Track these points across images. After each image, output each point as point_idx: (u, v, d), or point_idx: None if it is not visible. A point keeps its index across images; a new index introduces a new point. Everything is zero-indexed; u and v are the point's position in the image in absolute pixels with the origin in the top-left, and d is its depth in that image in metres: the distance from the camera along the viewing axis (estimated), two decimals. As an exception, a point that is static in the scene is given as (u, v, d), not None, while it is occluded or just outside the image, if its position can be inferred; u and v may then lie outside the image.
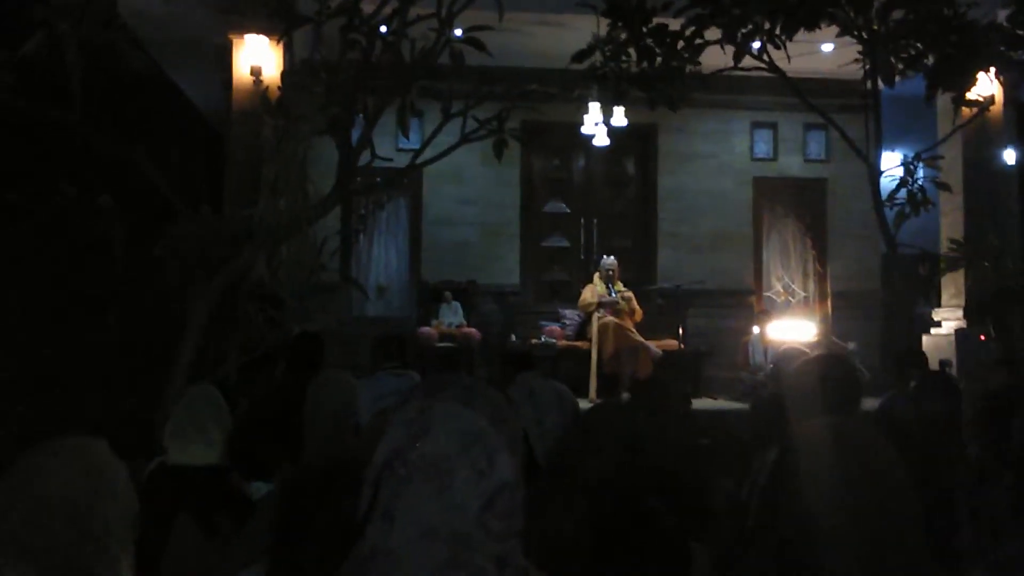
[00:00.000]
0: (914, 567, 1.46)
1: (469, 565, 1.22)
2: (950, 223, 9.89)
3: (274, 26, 8.11)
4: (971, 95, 7.63)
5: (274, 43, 8.55)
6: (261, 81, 8.48)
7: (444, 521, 1.23)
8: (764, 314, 10.22)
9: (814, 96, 8.27)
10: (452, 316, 10.05)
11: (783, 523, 1.50)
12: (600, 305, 9.60)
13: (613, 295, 9.72)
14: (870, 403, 4.94)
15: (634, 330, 9.54)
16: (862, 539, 1.43)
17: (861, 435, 1.55)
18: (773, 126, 11.57)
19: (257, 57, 8.74)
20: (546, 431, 4.95)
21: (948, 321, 9.73)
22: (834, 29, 7.33)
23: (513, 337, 10.06)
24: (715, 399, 9.49)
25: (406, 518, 1.24)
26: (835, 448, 1.52)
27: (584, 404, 6.62)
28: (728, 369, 9.95)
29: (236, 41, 8.84)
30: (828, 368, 3.02)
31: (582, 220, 11.57)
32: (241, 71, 8.79)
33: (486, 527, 1.24)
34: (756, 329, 9.90)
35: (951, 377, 4.49)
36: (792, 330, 10.16)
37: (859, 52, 7.50)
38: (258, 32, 8.72)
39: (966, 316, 9.46)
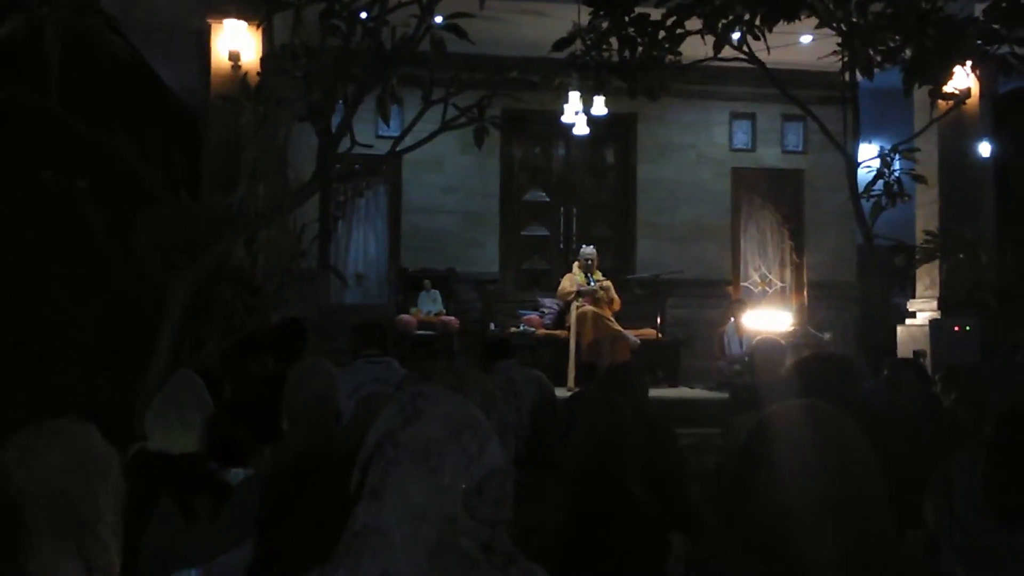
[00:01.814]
0: (882, 548, 1.49)
1: (457, 549, 1.24)
2: (926, 215, 9.97)
3: (253, 11, 8.06)
4: (948, 88, 7.69)
5: (253, 28, 8.49)
6: (240, 66, 8.43)
7: (432, 503, 1.25)
8: (739, 304, 10.29)
9: (792, 88, 8.31)
10: (431, 304, 10.05)
11: (753, 501, 1.52)
12: (579, 294, 9.62)
13: (592, 284, 9.75)
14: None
15: (612, 319, 9.57)
16: (829, 519, 1.46)
17: (828, 416, 1.57)
18: (752, 117, 11.62)
19: (236, 42, 8.68)
20: (524, 419, 4.97)
21: (923, 312, 9.82)
22: (813, 21, 7.37)
23: (492, 325, 10.07)
24: (692, 388, 9.55)
25: (395, 499, 1.25)
26: (802, 428, 1.54)
27: (562, 393, 6.66)
28: (706, 359, 10.01)
29: (214, 26, 8.78)
30: (821, 366, 3.06)
31: (562, 209, 11.60)
32: (220, 56, 8.73)
33: (474, 512, 1.26)
34: (732, 319, 9.97)
35: (921, 364, 4.55)
36: (768, 320, 10.23)
37: (838, 44, 7.54)
38: (237, 17, 8.66)
39: (941, 307, 9.56)
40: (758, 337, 5.83)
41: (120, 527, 1.74)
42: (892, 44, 7.14)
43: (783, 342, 5.05)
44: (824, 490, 1.47)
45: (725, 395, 8.47)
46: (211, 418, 3.11)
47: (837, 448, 1.53)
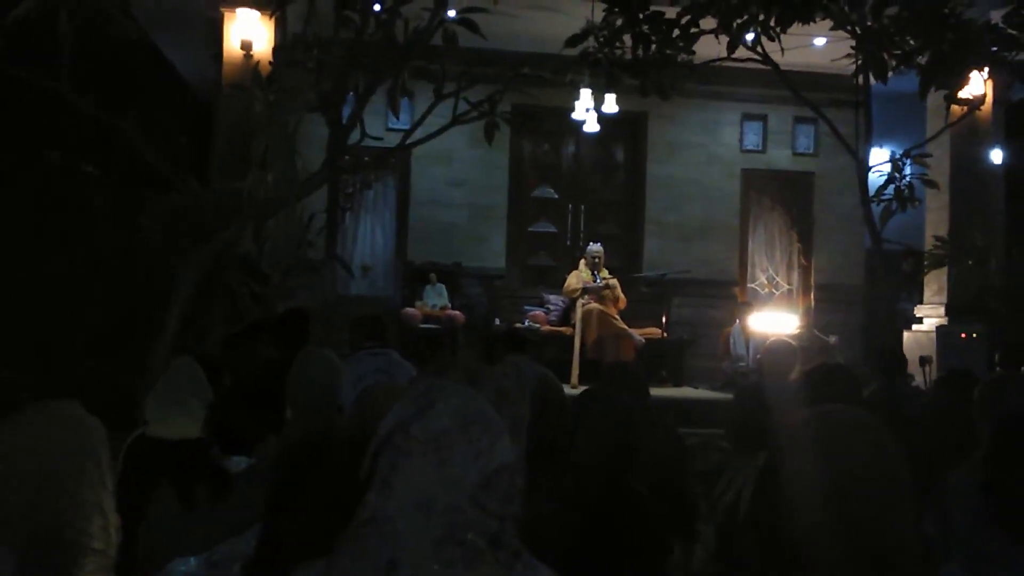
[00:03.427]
0: (908, 559, 1.47)
1: (463, 542, 1.24)
2: (935, 220, 9.94)
3: (267, 0, 8.06)
4: (963, 94, 7.65)
5: (266, 17, 8.48)
6: (252, 55, 8.43)
7: (440, 495, 1.25)
8: (746, 306, 10.26)
9: (805, 90, 8.28)
10: (436, 298, 10.03)
11: (776, 521, 1.50)
12: (585, 291, 9.60)
13: (598, 282, 9.72)
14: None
15: (618, 317, 9.55)
16: (856, 533, 1.44)
17: (854, 423, 1.54)
18: (763, 118, 11.57)
19: (248, 31, 8.67)
20: (526, 415, 4.95)
21: (930, 318, 9.79)
22: (828, 23, 7.34)
23: (497, 321, 10.05)
24: (696, 388, 9.53)
25: (403, 489, 1.26)
26: (826, 439, 1.50)
27: (566, 390, 6.63)
28: (711, 359, 9.99)
29: (227, 14, 8.76)
30: (833, 378, 3.04)
31: (570, 206, 11.57)
32: (232, 45, 8.72)
33: (481, 505, 1.26)
34: (738, 321, 9.94)
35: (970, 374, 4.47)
36: (774, 322, 10.19)
37: (852, 47, 7.52)
38: (250, 6, 8.65)
39: (948, 314, 9.52)
40: (770, 339, 5.79)
41: (113, 496, 1.74)
42: (907, 48, 7.11)
43: (795, 345, 5.01)
44: (848, 501, 1.45)
45: (729, 395, 8.46)
46: (213, 405, 3.09)
47: (862, 456, 1.50)
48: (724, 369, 9.57)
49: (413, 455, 1.27)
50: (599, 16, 7.35)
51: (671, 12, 7.16)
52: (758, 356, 7.89)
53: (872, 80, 7.47)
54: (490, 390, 1.33)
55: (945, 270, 9.57)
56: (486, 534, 1.26)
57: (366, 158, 8.07)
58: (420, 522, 1.24)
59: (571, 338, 9.29)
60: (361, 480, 1.29)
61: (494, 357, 5.10)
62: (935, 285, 9.92)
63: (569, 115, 9.28)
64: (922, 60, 7.14)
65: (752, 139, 11.64)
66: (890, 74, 7.24)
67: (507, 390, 1.36)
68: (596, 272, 9.81)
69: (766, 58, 7.54)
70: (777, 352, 4.87)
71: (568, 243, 11.47)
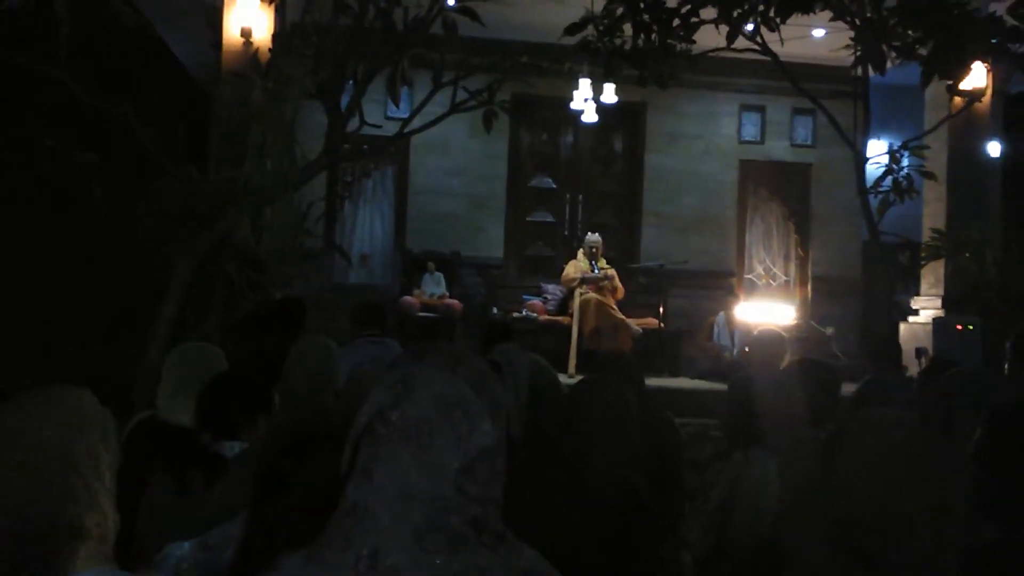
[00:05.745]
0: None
1: (446, 528, 1.24)
2: (932, 212, 9.94)
3: (266, -13, 8.04)
4: (964, 85, 7.65)
5: (265, 5, 8.46)
6: (251, 43, 8.40)
7: (422, 482, 1.25)
8: (732, 296, 10.26)
9: (804, 81, 8.27)
10: (434, 287, 10.04)
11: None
12: (582, 281, 9.62)
13: (596, 272, 9.74)
14: (846, 388, 4.98)
15: (615, 307, 9.56)
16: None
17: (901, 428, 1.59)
18: (761, 109, 11.57)
19: (248, 18, 8.63)
20: (522, 403, 4.96)
21: (926, 310, 9.80)
22: (827, 14, 7.33)
23: (495, 310, 10.06)
24: (692, 379, 9.54)
25: (384, 477, 1.26)
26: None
27: (563, 379, 6.65)
28: (707, 350, 10.00)
29: (227, 1, 8.73)
30: (810, 374, 3.05)
31: (568, 196, 11.57)
32: (231, 32, 8.68)
33: (464, 491, 1.26)
34: (723, 311, 9.91)
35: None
36: (768, 312, 10.19)
37: (851, 38, 7.51)
38: (250, -7, 8.62)
39: (945, 306, 9.54)
40: (758, 329, 5.80)
41: (114, 492, 1.73)
42: (906, 40, 7.11)
43: (784, 335, 5.01)
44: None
45: (712, 383, 8.49)
46: (202, 391, 3.09)
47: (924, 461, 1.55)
48: (706, 349, 9.60)
49: (393, 443, 1.27)
50: (599, 5, 7.34)
51: (672, 1, 7.15)
52: (746, 347, 7.90)
53: (871, 72, 7.47)
54: (468, 373, 1.33)
55: (942, 262, 9.57)
56: (469, 518, 1.26)
57: (365, 147, 8.06)
58: (402, 510, 1.24)
59: (569, 327, 9.31)
60: (342, 470, 1.29)
61: (484, 349, 5.13)
62: (932, 277, 9.92)
63: (568, 105, 9.28)
64: (922, 51, 7.13)
65: (750, 130, 11.64)
66: (889, 66, 7.24)
67: (485, 373, 1.36)
68: (594, 262, 9.83)
69: (765, 49, 7.53)
70: (765, 342, 4.88)
71: (566, 233, 11.47)
